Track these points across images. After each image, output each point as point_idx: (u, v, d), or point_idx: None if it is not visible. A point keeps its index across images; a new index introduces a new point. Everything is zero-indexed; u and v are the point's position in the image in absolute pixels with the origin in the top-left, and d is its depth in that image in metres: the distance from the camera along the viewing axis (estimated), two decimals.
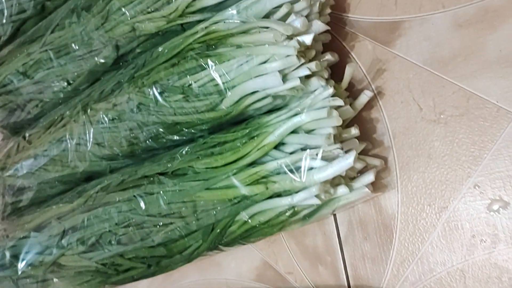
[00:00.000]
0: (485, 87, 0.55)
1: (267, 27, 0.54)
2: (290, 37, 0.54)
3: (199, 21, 0.64)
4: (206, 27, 0.60)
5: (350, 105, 0.59)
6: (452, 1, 0.58)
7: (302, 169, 0.52)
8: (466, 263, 0.55)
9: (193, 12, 0.65)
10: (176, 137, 0.65)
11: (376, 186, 0.60)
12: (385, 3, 0.63)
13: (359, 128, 0.58)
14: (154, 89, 0.62)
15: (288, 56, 0.52)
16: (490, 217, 0.54)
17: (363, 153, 0.60)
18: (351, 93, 0.63)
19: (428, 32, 0.59)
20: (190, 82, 0.59)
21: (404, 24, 0.61)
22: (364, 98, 0.59)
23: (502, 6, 0.54)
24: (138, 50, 0.72)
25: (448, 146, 0.56)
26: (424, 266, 0.57)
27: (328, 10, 0.61)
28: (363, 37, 0.64)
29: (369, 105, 0.62)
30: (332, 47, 0.64)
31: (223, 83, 0.57)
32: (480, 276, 0.54)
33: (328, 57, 0.59)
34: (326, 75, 0.57)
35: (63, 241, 0.70)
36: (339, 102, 0.53)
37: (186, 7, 0.64)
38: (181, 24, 0.67)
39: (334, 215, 0.64)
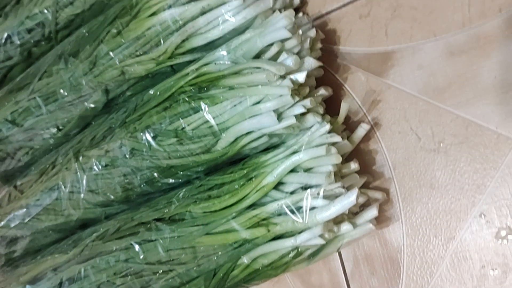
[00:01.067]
0: (483, 114, 0.54)
1: (259, 68, 0.53)
2: (283, 76, 0.53)
3: (189, 62, 0.64)
4: (197, 69, 0.59)
5: (348, 138, 0.58)
6: (443, 29, 0.58)
7: (304, 209, 0.51)
8: None
9: (183, 53, 0.64)
10: (171, 180, 0.63)
11: (379, 219, 0.58)
12: (375, 34, 0.62)
13: (358, 161, 0.57)
14: (146, 133, 0.61)
15: (282, 95, 0.52)
16: (498, 246, 0.52)
17: (364, 186, 0.59)
18: (347, 125, 0.62)
19: (421, 61, 0.59)
20: (183, 125, 0.58)
21: (396, 54, 0.60)
22: (361, 131, 0.58)
23: (493, 33, 0.54)
24: (128, 93, 0.71)
25: (450, 175, 0.55)
26: None
27: (319, 45, 0.61)
28: (355, 68, 0.63)
29: (367, 137, 0.61)
30: (325, 80, 0.64)
31: (217, 124, 0.56)
32: None
33: (322, 91, 0.58)
34: (321, 110, 0.56)
35: None
36: (337, 138, 0.52)
37: (175, 49, 0.64)
38: (171, 66, 0.66)
39: (339, 251, 0.62)
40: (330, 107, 0.61)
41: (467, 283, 0.54)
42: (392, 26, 0.61)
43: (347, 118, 0.63)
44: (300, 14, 0.65)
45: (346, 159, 0.58)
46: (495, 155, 0.53)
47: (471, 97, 0.55)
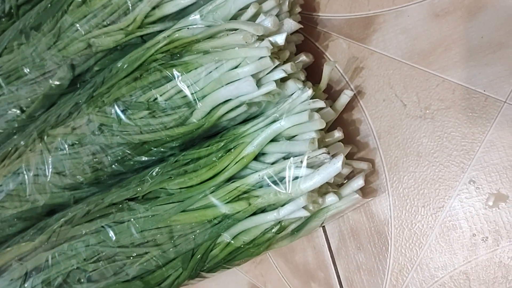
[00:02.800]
0: (470, 76, 0.52)
1: (235, 29, 0.50)
2: (261, 38, 0.49)
3: (161, 32, 0.60)
4: (168, 36, 0.55)
5: (331, 107, 0.55)
6: None
7: (287, 179, 0.47)
8: (469, 264, 0.51)
9: (153, 22, 0.60)
10: (144, 158, 0.59)
11: (365, 191, 0.56)
12: None
13: (343, 130, 0.54)
14: (116, 107, 0.57)
15: (261, 58, 0.48)
16: (489, 213, 0.50)
17: (348, 157, 0.56)
18: (330, 95, 0.59)
19: (404, 24, 0.56)
20: (155, 96, 0.54)
21: (378, 18, 0.58)
22: (344, 98, 0.55)
23: None
24: (96, 68, 0.67)
25: (437, 142, 0.53)
26: (424, 273, 0.53)
27: (298, 9, 0.57)
28: (336, 35, 0.60)
29: (350, 106, 0.58)
30: (305, 49, 0.60)
31: (192, 94, 0.52)
32: (485, 277, 0.50)
33: (303, 58, 0.55)
34: (302, 77, 0.53)
35: (26, 284, 0.63)
36: (320, 103, 0.49)
37: (145, 17, 0.59)
38: (141, 36, 0.62)
39: (323, 227, 0.59)
40: (311, 76, 0.57)
41: (457, 253, 0.52)
42: None
43: (330, 87, 0.60)
44: None
45: (329, 129, 0.55)
46: (483, 118, 0.51)
47: (458, 60, 0.53)
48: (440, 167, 0.53)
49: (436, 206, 0.53)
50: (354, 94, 0.58)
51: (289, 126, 0.49)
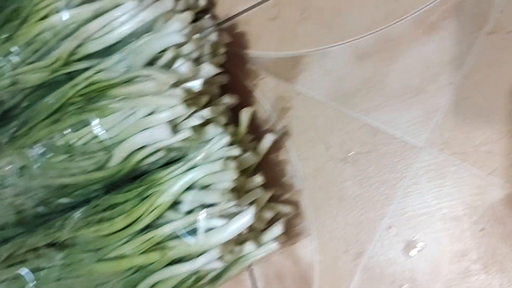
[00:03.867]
0: (390, 120, 0.52)
1: (149, 76, 0.49)
2: (176, 84, 0.48)
3: (87, 69, 0.58)
4: (87, 78, 0.53)
5: (254, 149, 0.55)
6: (350, 32, 0.55)
7: (199, 231, 0.46)
8: None
9: (79, 60, 0.59)
10: (67, 200, 0.58)
11: (290, 234, 0.55)
12: (284, 37, 0.59)
13: (268, 172, 0.54)
14: (36, 149, 0.55)
15: (173, 106, 0.47)
16: (407, 260, 0.50)
17: (273, 199, 0.55)
18: (258, 134, 0.58)
19: (329, 65, 0.56)
20: (73, 140, 0.53)
21: (305, 58, 0.57)
22: (267, 142, 0.54)
23: (399, 36, 0.52)
24: (24, 104, 0.65)
25: (359, 186, 0.53)
26: None
27: (222, 50, 0.56)
28: (265, 73, 0.60)
29: (276, 146, 0.57)
30: (235, 86, 0.60)
31: (108, 138, 0.51)
32: None
33: (226, 100, 0.54)
34: (223, 120, 0.52)
35: None
36: (236, 151, 0.49)
37: (70, 55, 0.58)
38: (68, 73, 0.60)
39: (251, 269, 0.59)
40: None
41: None
42: (301, 28, 0.58)
43: (257, 126, 0.59)
44: (207, 16, 0.61)
45: (255, 170, 0.55)
46: (401, 164, 0.51)
47: (378, 103, 0.52)
48: (361, 212, 0.52)
49: (357, 251, 0.52)
50: (281, 134, 0.57)
51: (203, 175, 0.48)
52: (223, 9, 0.63)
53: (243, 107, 0.59)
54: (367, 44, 0.54)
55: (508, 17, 0.47)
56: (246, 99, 0.60)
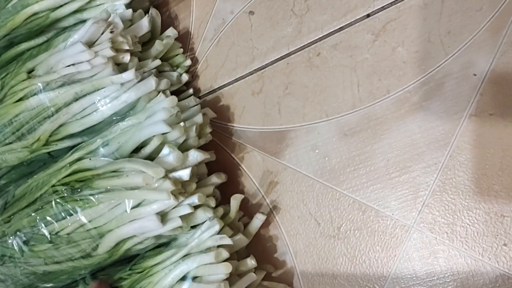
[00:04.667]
0: (378, 198, 0.52)
1: (136, 169, 0.48)
2: (164, 176, 0.48)
3: (70, 147, 0.57)
4: (70, 164, 0.52)
5: (245, 229, 0.54)
6: (334, 109, 0.56)
7: None
8: None
9: (60, 140, 0.58)
10: (53, 285, 0.56)
11: None
12: (268, 112, 0.59)
13: (258, 248, 0.53)
14: (17, 238, 0.53)
15: (162, 199, 0.46)
16: None
17: (266, 277, 0.55)
18: (247, 209, 0.58)
19: (315, 141, 0.56)
20: (57, 229, 0.51)
21: (290, 133, 0.58)
22: (257, 222, 0.54)
23: (383, 114, 0.53)
24: (3, 182, 0.63)
25: (351, 263, 0.53)
26: None
27: (208, 129, 0.56)
28: (251, 147, 0.60)
29: (267, 221, 0.57)
30: (221, 160, 0.60)
31: (94, 228, 0.50)
32: None
33: (214, 180, 0.54)
34: (212, 203, 0.51)
35: None
36: (227, 241, 0.48)
37: (50, 136, 0.57)
38: (49, 152, 0.59)
39: None
40: (228, 188, 0.57)
41: None
42: (285, 104, 0.58)
43: (246, 201, 0.59)
44: (190, 91, 0.61)
45: (247, 247, 0.54)
46: (393, 242, 0.51)
47: (365, 181, 0.53)
48: None
49: None
50: (270, 209, 0.57)
51: (196, 266, 0.47)
52: (206, 82, 0.63)
53: (232, 180, 0.59)
54: (351, 121, 0.54)
55: (489, 100, 0.48)
56: (233, 172, 0.60)
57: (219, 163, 0.60)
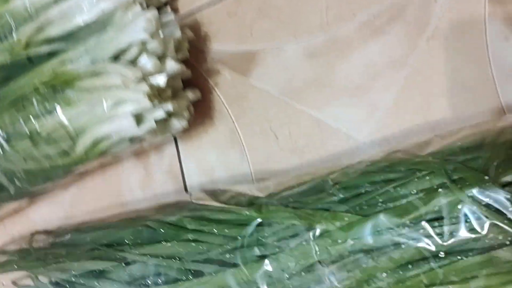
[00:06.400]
0: (335, 115, 0.57)
1: (116, 71, 0.51)
2: (142, 80, 0.51)
3: (49, 54, 0.60)
4: (52, 67, 0.55)
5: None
6: (303, 31, 0.60)
7: None
8: None
9: (40, 44, 0.60)
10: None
11: None
12: (242, 33, 0.63)
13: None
14: None
15: (139, 100, 0.50)
16: None
17: None
18: (213, 126, 0.63)
19: (283, 62, 0.60)
20: (37, 127, 0.55)
21: (260, 54, 0.62)
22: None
23: (348, 37, 0.57)
24: None
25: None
26: None
27: (186, 45, 0.60)
28: (223, 67, 0.63)
29: (231, 136, 0.62)
30: (194, 78, 0.63)
31: (73, 127, 0.53)
32: None
33: (189, 95, 0.58)
34: (186, 114, 0.56)
35: None
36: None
37: (30, 39, 0.59)
38: (28, 58, 0.61)
39: None
40: (197, 106, 0.61)
41: None
42: (258, 25, 0.62)
43: (212, 116, 0.63)
44: (169, 10, 0.64)
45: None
46: (346, 158, 0.56)
47: (326, 100, 0.58)
48: None
49: None
50: (234, 126, 0.62)
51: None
52: (185, 3, 0.66)
53: (204, 100, 0.63)
54: (318, 43, 0.59)
55: (446, 24, 0.53)
56: (203, 91, 0.63)
57: (191, 83, 0.63)
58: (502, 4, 0.52)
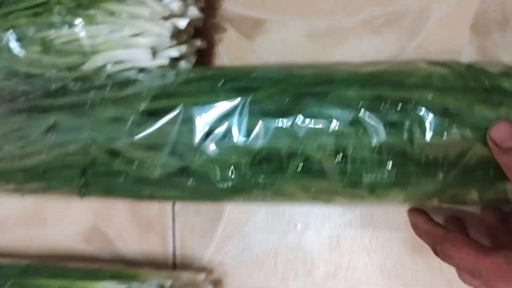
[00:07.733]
0: None
1: (144, 2, 0.55)
2: (165, 18, 0.55)
3: None
4: None
5: None
6: (311, 12, 0.66)
7: None
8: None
9: None
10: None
11: None
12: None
13: None
14: (10, 35, 0.58)
15: (161, 35, 0.55)
16: None
17: None
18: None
19: (285, 36, 0.67)
20: (52, 36, 0.57)
21: (267, 23, 0.67)
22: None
23: (349, 28, 0.65)
24: None
25: None
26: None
27: None
28: (229, 26, 0.69)
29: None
30: (202, 29, 0.68)
31: (89, 45, 0.56)
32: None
33: (198, 43, 0.63)
34: (193, 59, 0.60)
35: None
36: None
37: None
38: None
39: None
40: (201, 56, 0.66)
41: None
42: None
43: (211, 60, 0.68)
44: None
45: None
46: None
47: None
48: None
49: None
50: None
51: None
52: None
53: (207, 52, 0.68)
54: (321, 26, 0.66)
55: (432, 41, 0.62)
56: (210, 44, 0.68)
57: (197, 32, 0.67)
58: (480, 37, 0.62)
